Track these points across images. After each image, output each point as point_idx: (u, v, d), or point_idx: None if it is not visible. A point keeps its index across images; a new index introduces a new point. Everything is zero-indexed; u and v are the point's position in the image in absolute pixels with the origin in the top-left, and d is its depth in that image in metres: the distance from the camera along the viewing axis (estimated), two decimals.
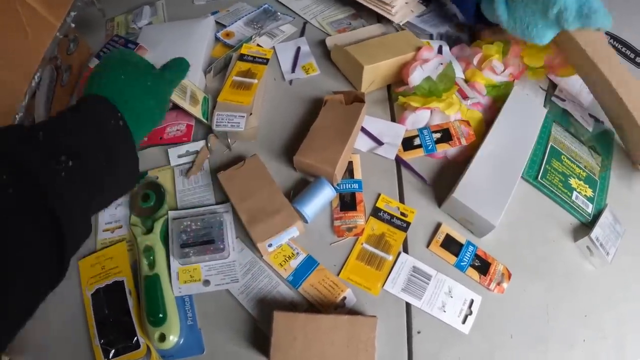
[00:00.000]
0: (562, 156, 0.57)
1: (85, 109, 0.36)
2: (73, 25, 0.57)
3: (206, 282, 0.45)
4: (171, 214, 0.48)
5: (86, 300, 0.44)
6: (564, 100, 0.62)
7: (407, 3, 0.66)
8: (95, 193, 0.34)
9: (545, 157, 0.55)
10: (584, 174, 0.56)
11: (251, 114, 0.51)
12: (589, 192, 0.55)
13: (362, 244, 0.47)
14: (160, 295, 0.43)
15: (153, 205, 0.49)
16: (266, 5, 0.68)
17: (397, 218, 0.48)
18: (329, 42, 0.61)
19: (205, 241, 0.46)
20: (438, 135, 0.52)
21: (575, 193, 0.54)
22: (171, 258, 0.45)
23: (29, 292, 0.28)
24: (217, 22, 0.65)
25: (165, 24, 0.66)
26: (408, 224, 0.48)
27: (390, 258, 0.46)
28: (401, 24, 0.66)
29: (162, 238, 0.47)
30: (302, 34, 0.65)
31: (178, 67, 0.47)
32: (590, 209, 0.53)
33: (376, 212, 0.49)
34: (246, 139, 0.54)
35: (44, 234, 0.28)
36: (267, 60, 0.56)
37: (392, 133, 0.52)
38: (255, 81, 0.54)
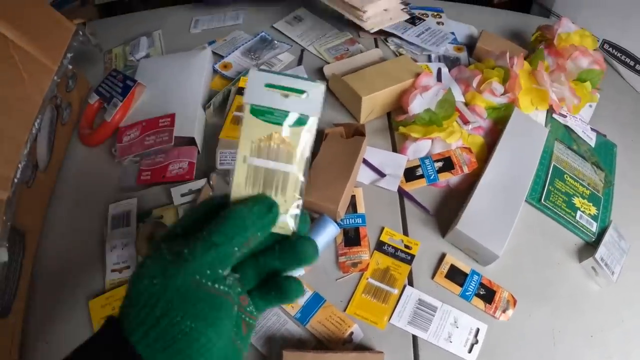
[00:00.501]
0: (565, 175, 0.56)
1: None
2: (70, 66, 0.56)
3: None
4: None
5: None
6: (565, 116, 0.61)
7: (387, 10, 0.62)
8: None
9: (549, 179, 0.55)
10: (588, 192, 0.56)
11: None
12: (593, 211, 0.54)
13: (367, 278, 0.47)
14: None
15: None
16: (263, 34, 0.67)
17: (402, 251, 0.48)
18: (327, 71, 0.60)
19: None
20: (440, 164, 0.52)
21: (579, 212, 0.53)
22: None
23: None
24: (214, 53, 0.64)
25: (162, 57, 0.65)
26: (412, 256, 0.48)
27: (396, 292, 0.46)
28: (372, 31, 0.62)
29: None
30: (299, 62, 0.64)
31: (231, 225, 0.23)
32: (594, 227, 0.53)
33: (380, 246, 0.49)
34: None
35: None
36: None
37: (394, 164, 0.52)
38: None
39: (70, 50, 0.58)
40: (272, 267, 0.25)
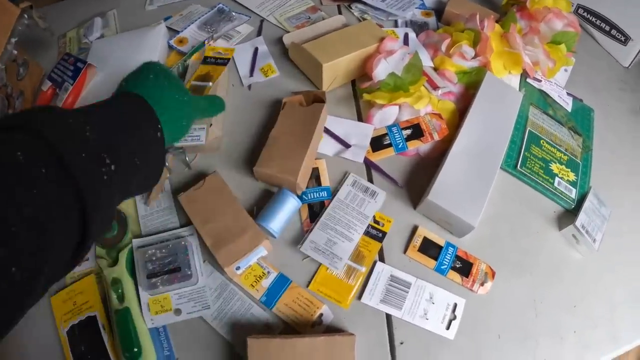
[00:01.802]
0: (542, 141, 0.52)
1: (127, 110, 0.32)
2: (16, 52, 0.51)
3: (177, 311, 0.42)
4: (135, 242, 0.44)
5: (62, 338, 0.42)
6: (540, 80, 0.56)
7: None
8: (122, 193, 0.32)
9: (524, 144, 0.51)
10: (566, 158, 0.52)
11: (211, 124, 0.46)
12: (572, 176, 0.51)
13: None
14: (133, 328, 0.40)
15: (116, 235, 0.45)
16: (220, 5, 0.62)
17: (372, 227, 0.44)
18: (287, 39, 0.55)
19: (171, 269, 0.43)
20: (408, 131, 0.47)
21: (557, 179, 0.50)
22: (140, 289, 0.41)
23: (58, 257, 0.25)
24: (170, 29, 0.60)
25: (116, 36, 0.60)
26: (384, 233, 0.43)
27: (364, 270, 0.42)
28: None
29: (128, 268, 0.44)
30: (259, 33, 0.59)
31: (213, 100, 0.45)
32: (573, 194, 0.50)
33: None
34: (209, 152, 0.49)
35: (69, 207, 0.25)
36: (228, 60, 0.50)
37: (360, 133, 0.47)
38: (209, 84, 0.48)
39: (15, 35, 0.53)
40: None
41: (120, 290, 0.41)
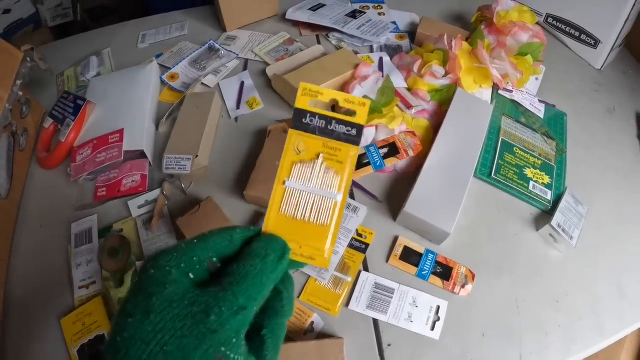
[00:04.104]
0: (515, 148, 0.59)
1: None
2: (21, 93, 0.59)
3: None
4: (139, 264, 0.51)
5: (73, 357, 0.46)
6: (511, 91, 0.64)
7: None
8: None
9: (498, 153, 0.57)
10: (539, 162, 0.58)
11: (197, 155, 0.53)
12: (546, 179, 0.57)
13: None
14: None
15: (121, 259, 0.51)
16: (211, 42, 0.70)
17: (355, 239, 0.50)
18: (269, 71, 0.63)
19: None
20: (385, 150, 0.54)
21: (532, 183, 0.56)
22: None
23: None
24: (161, 65, 0.67)
25: (112, 74, 0.68)
26: (367, 245, 0.50)
27: (349, 279, 0.48)
28: None
29: None
30: (245, 67, 0.67)
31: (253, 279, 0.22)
32: (549, 195, 0.56)
33: None
34: (198, 180, 0.56)
35: None
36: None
37: None
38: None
39: (20, 77, 0.61)
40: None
41: None
